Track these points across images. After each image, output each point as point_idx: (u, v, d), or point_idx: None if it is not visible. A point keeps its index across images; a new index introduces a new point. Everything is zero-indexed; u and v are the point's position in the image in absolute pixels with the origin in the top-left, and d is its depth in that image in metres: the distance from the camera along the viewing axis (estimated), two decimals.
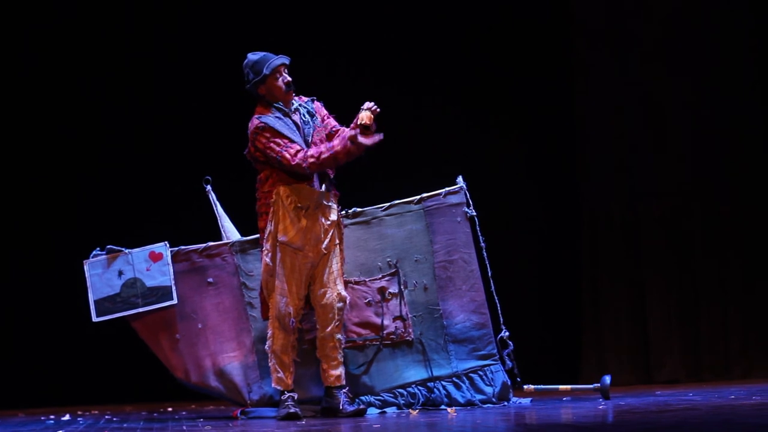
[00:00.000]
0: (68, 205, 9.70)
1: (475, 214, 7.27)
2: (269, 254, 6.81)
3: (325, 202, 6.82)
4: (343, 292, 6.84)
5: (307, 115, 6.89)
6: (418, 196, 7.28)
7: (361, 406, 6.82)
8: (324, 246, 6.79)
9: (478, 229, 7.25)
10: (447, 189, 7.31)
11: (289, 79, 6.84)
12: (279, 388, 6.84)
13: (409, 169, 9.29)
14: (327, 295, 6.81)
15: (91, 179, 9.73)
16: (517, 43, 9.94)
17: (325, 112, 6.97)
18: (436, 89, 9.88)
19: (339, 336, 6.84)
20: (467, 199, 7.29)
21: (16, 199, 9.76)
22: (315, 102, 6.98)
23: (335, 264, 6.83)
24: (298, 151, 6.70)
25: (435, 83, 9.89)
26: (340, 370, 6.84)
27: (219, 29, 9.71)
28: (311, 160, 6.68)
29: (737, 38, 9.74)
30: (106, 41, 9.77)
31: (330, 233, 6.81)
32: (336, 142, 6.71)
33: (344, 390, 6.83)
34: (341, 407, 6.75)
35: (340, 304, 6.82)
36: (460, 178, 7.34)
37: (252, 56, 6.87)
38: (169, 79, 9.74)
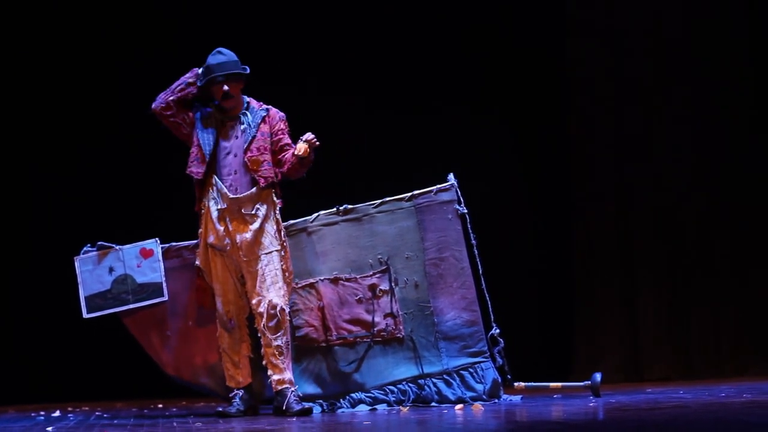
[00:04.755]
0: (58, 201, 9.69)
1: (466, 211, 7.27)
2: (201, 257, 6.96)
3: (244, 210, 6.86)
4: (276, 300, 6.79)
5: (248, 123, 6.95)
6: (410, 194, 7.28)
7: (307, 405, 6.76)
8: (243, 253, 6.83)
9: (469, 226, 7.25)
10: (438, 186, 7.31)
11: (226, 89, 6.88)
12: (230, 386, 6.95)
13: (401, 166, 9.28)
14: (260, 304, 6.81)
15: (82, 175, 9.72)
16: (511, 41, 9.94)
17: (282, 126, 7.01)
18: (429, 87, 9.87)
19: (278, 343, 6.80)
20: (458, 196, 7.29)
21: (6, 195, 9.74)
22: (270, 111, 7.02)
23: (269, 271, 6.83)
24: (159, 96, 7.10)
25: (428, 81, 9.88)
26: (283, 375, 6.81)
27: (210, 26, 9.69)
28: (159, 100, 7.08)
29: (734, 38, 9.76)
30: (97, 36, 9.76)
31: (251, 240, 6.83)
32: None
33: (291, 389, 6.79)
34: (287, 407, 6.73)
35: (272, 311, 6.78)
36: (451, 176, 7.34)
37: (210, 58, 6.98)
38: (164, 74, 9.72)
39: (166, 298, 7.16)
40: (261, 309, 6.82)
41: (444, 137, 9.73)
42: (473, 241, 7.22)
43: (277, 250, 6.90)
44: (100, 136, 9.74)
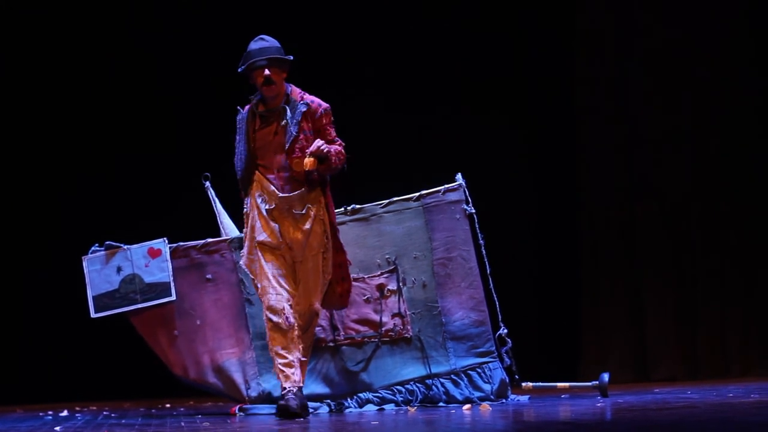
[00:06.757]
0: (66, 200, 9.70)
1: (474, 211, 7.27)
2: (245, 258, 6.74)
3: (295, 211, 6.66)
4: (316, 305, 6.70)
5: (288, 119, 6.63)
6: (417, 193, 7.28)
7: (281, 402, 6.46)
8: (295, 254, 6.67)
9: (477, 226, 7.24)
10: (446, 186, 7.31)
11: (268, 73, 6.57)
12: (286, 386, 6.55)
13: (409, 166, 9.28)
14: (299, 303, 6.66)
15: (90, 175, 9.73)
16: (517, 41, 9.94)
17: (325, 121, 6.69)
18: (436, 87, 9.87)
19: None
20: (466, 196, 7.29)
21: (14, 194, 9.76)
22: (311, 106, 6.66)
23: (313, 274, 6.68)
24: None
25: (434, 81, 9.88)
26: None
27: (216, 24, 9.71)
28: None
29: (737, 38, 9.75)
30: (102, 37, 9.77)
31: (303, 241, 6.66)
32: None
33: (290, 388, 6.54)
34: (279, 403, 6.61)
35: (307, 315, 6.68)
36: (459, 176, 7.34)
37: (251, 44, 6.67)
38: (169, 74, 9.74)
39: (173, 297, 7.17)
40: (298, 307, 6.67)
41: (451, 137, 9.73)
42: (481, 241, 7.22)
43: (322, 252, 6.72)
44: (109, 136, 9.75)
